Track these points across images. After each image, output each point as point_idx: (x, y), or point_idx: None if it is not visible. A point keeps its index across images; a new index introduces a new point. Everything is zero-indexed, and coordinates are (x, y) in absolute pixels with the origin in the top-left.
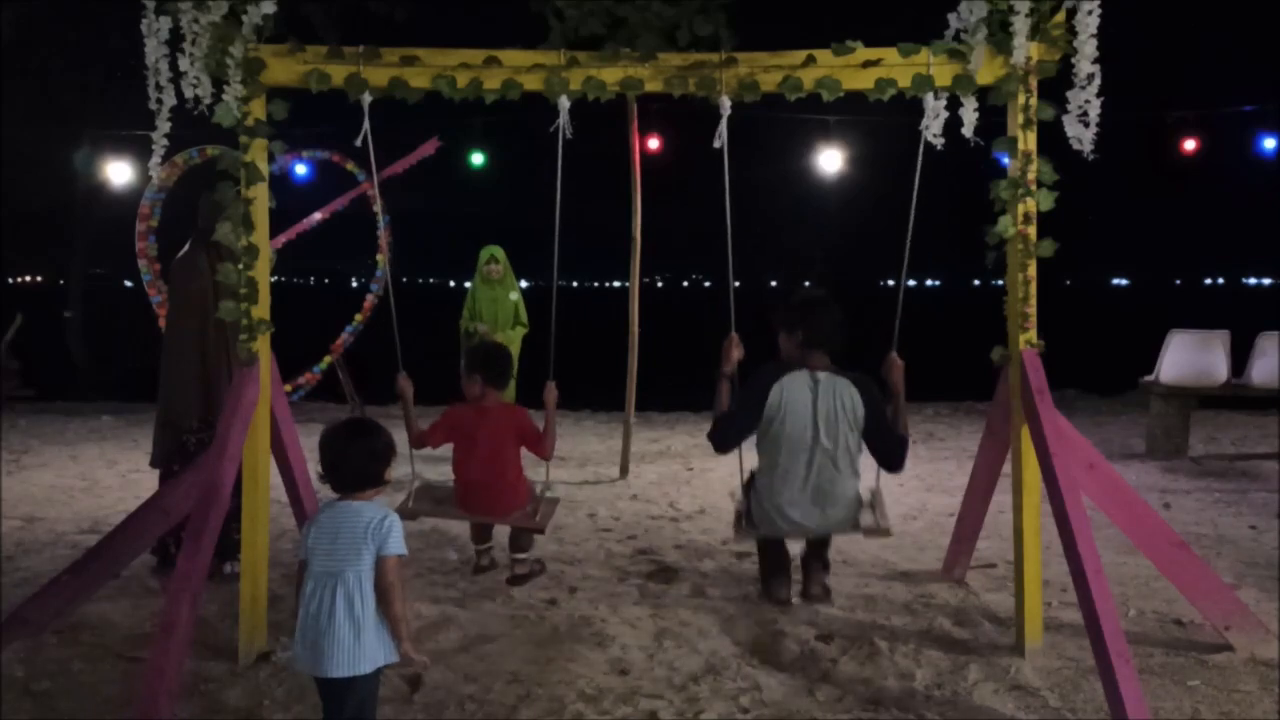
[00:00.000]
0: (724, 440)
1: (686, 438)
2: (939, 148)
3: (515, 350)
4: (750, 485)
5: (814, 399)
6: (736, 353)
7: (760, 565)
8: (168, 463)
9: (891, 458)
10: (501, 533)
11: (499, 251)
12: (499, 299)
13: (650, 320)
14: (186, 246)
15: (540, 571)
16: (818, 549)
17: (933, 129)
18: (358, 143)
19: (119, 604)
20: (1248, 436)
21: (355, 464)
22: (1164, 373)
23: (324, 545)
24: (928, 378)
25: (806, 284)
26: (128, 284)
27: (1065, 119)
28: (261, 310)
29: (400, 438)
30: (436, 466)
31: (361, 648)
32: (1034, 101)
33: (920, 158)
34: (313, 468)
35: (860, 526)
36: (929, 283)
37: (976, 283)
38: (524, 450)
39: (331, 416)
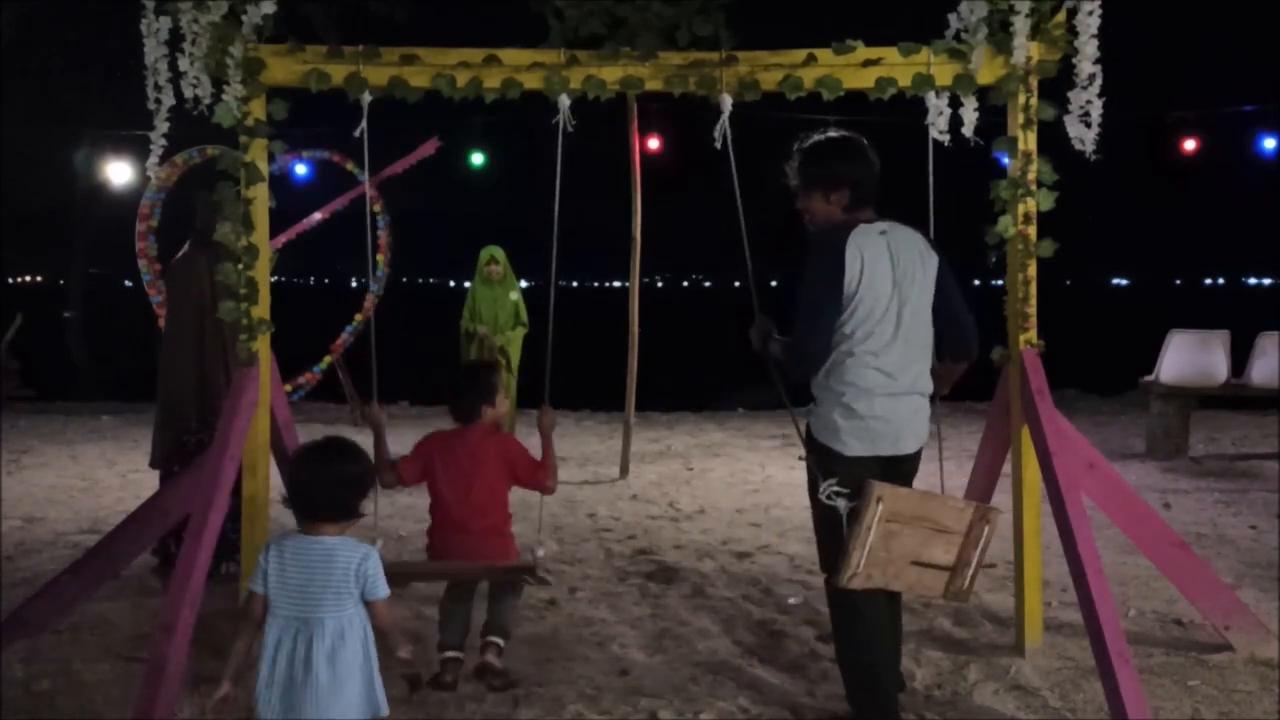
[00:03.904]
0: (810, 346)
1: (686, 438)
2: (946, 144)
3: (516, 351)
4: (811, 436)
5: (890, 252)
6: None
7: (850, 681)
8: (167, 463)
9: (965, 336)
10: (475, 626)
11: (499, 252)
12: (499, 299)
13: (650, 320)
14: (185, 247)
15: (513, 685)
16: (898, 628)
17: (939, 125)
18: (356, 134)
19: (119, 604)
20: (1248, 436)
21: (329, 491)
22: (1164, 373)
23: (294, 588)
24: None
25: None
26: (128, 284)
27: (1067, 119)
28: (261, 310)
29: (400, 437)
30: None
31: (345, 700)
32: (1034, 101)
33: (931, 157)
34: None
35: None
36: None
37: (976, 283)
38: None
39: (331, 416)
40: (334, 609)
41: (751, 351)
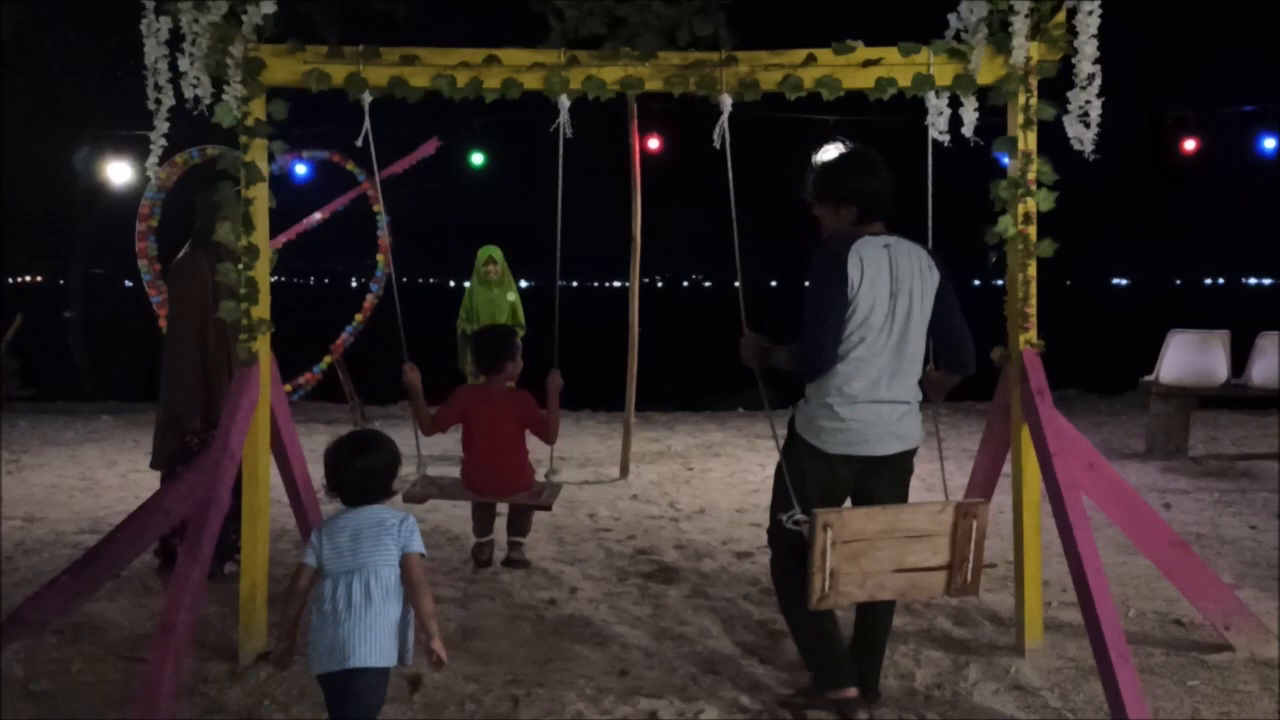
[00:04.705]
0: (820, 350)
1: (686, 438)
2: (946, 145)
3: None
4: (793, 425)
5: (891, 264)
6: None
7: (809, 654)
8: (170, 464)
9: (963, 351)
10: (501, 529)
11: (497, 252)
12: (497, 301)
13: (650, 320)
14: (186, 247)
15: (528, 565)
16: (881, 638)
17: (939, 125)
18: (358, 143)
19: (119, 604)
20: (1248, 436)
21: (363, 479)
22: (1164, 373)
23: (342, 547)
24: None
25: (838, 142)
26: (128, 284)
27: (1066, 119)
28: (261, 310)
29: (403, 435)
30: (440, 442)
31: (390, 639)
32: (1034, 101)
33: (930, 157)
34: (314, 470)
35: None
36: None
37: (977, 283)
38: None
39: (331, 416)
40: (378, 557)
41: (741, 365)
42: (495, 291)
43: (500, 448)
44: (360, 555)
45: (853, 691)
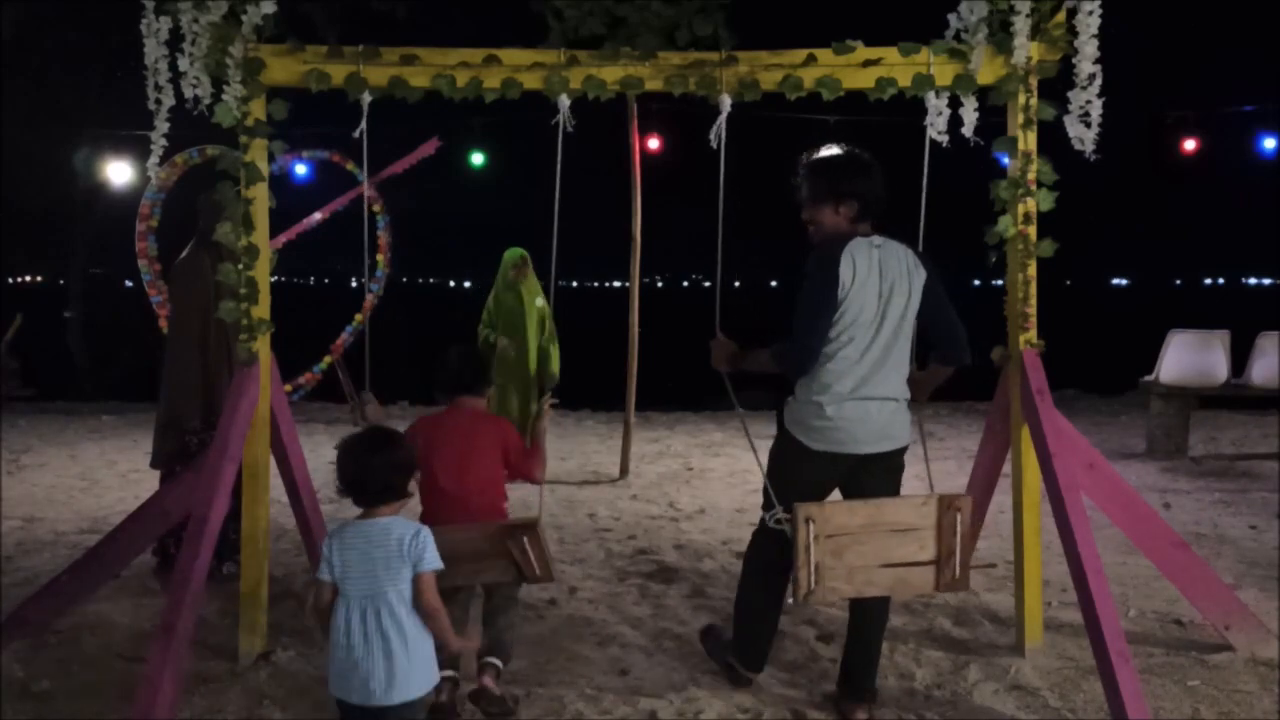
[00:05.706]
0: (808, 351)
1: (686, 438)
2: (945, 145)
3: (554, 367)
4: (782, 414)
5: (880, 264)
6: (730, 352)
7: (738, 618)
8: (170, 464)
9: (957, 342)
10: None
11: (527, 255)
12: (528, 309)
13: (650, 320)
14: (189, 248)
15: (511, 712)
16: (875, 636)
17: (937, 126)
18: (355, 134)
19: (119, 604)
20: (1248, 436)
21: (379, 477)
22: (1164, 373)
23: (358, 566)
24: None
25: (835, 148)
26: (128, 284)
27: (1067, 119)
28: (261, 310)
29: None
30: None
31: (412, 669)
32: (1034, 101)
33: (927, 157)
34: (314, 470)
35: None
36: None
37: (977, 283)
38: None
39: (331, 416)
40: (394, 582)
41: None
42: (525, 299)
43: (471, 483)
44: (373, 579)
45: (751, 679)
